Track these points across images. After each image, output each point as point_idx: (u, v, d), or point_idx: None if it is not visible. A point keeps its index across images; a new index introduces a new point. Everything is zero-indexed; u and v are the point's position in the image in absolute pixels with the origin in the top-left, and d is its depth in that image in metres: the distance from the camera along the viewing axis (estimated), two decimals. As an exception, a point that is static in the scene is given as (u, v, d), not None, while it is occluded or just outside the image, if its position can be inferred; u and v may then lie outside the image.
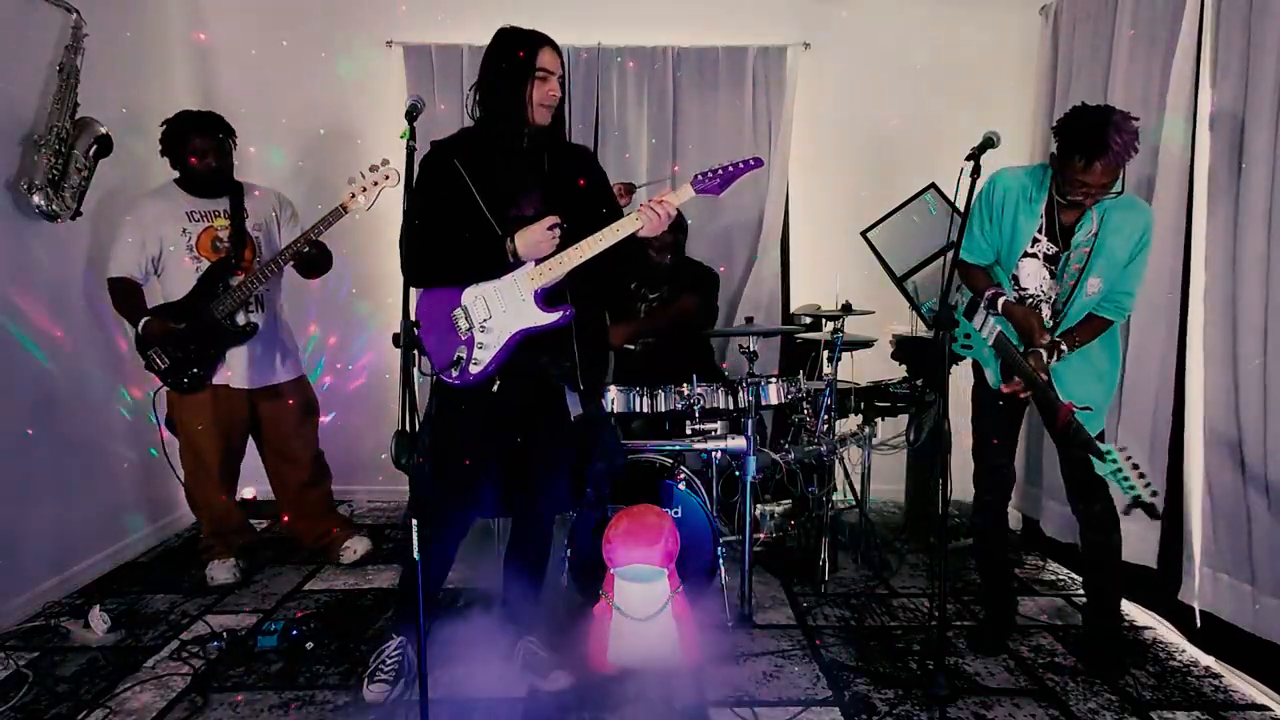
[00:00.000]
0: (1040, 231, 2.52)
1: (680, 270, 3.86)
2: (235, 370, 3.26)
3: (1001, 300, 2.56)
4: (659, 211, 2.26)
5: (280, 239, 3.37)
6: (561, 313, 2.33)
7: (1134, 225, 2.44)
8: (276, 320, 3.42)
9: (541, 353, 2.37)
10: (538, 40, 2.32)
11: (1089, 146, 2.25)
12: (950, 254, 2.47)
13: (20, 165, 3.04)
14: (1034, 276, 2.57)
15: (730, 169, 2.30)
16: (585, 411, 2.44)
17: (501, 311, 2.35)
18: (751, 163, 2.31)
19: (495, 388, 2.36)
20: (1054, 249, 2.52)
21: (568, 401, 2.41)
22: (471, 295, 2.36)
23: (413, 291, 2.21)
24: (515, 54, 2.29)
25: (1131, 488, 2.32)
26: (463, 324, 2.37)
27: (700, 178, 2.30)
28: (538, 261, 2.32)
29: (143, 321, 3.10)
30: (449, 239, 2.33)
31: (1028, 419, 3.19)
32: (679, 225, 3.81)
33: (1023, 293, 2.60)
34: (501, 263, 2.31)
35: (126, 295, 3.17)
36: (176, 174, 3.27)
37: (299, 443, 3.48)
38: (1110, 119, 2.25)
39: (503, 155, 2.35)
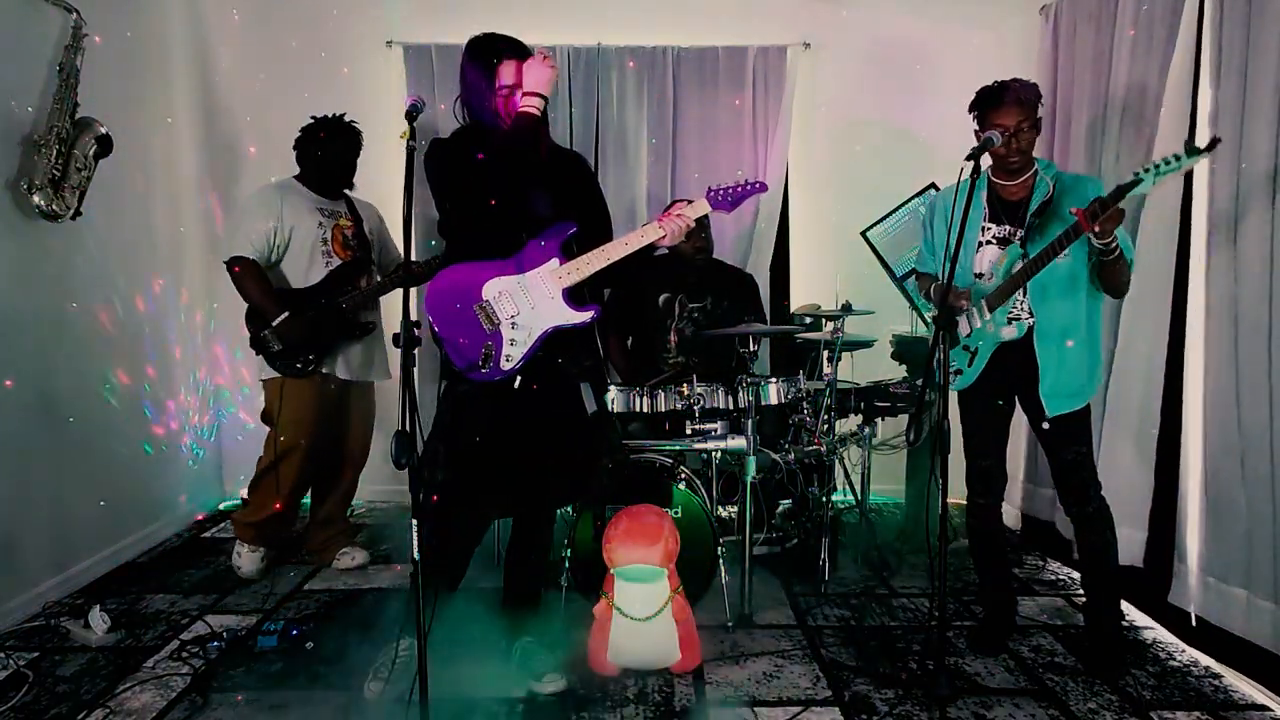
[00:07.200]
0: (986, 220, 2.63)
1: (719, 276, 3.85)
2: (345, 361, 3.36)
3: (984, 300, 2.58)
4: (680, 224, 2.37)
5: (389, 247, 3.58)
6: (592, 312, 2.38)
7: (1087, 185, 2.52)
8: (381, 321, 3.52)
9: (559, 350, 2.40)
10: (516, 48, 2.40)
11: (992, 94, 2.50)
12: (949, 262, 2.45)
13: (20, 165, 3.03)
14: (993, 263, 2.61)
15: (741, 188, 2.42)
16: (598, 408, 2.49)
17: (530, 308, 2.36)
18: (757, 185, 2.46)
19: (516, 384, 2.36)
20: (1005, 230, 2.62)
21: (583, 398, 2.45)
22: (493, 290, 2.36)
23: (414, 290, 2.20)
24: (494, 59, 2.37)
25: (1176, 158, 2.13)
26: (487, 320, 2.37)
27: (713, 193, 2.42)
28: (563, 261, 2.35)
29: (280, 319, 3.16)
30: (482, 224, 2.36)
31: (1027, 431, 3.18)
32: (705, 223, 3.83)
33: (981, 279, 2.66)
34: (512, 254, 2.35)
35: (259, 277, 3.21)
36: (297, 170, 3.39)
37: (362, 444, 3.56)
38: (1005, 81, 2.51)
39: (514, 155, 2.35)
